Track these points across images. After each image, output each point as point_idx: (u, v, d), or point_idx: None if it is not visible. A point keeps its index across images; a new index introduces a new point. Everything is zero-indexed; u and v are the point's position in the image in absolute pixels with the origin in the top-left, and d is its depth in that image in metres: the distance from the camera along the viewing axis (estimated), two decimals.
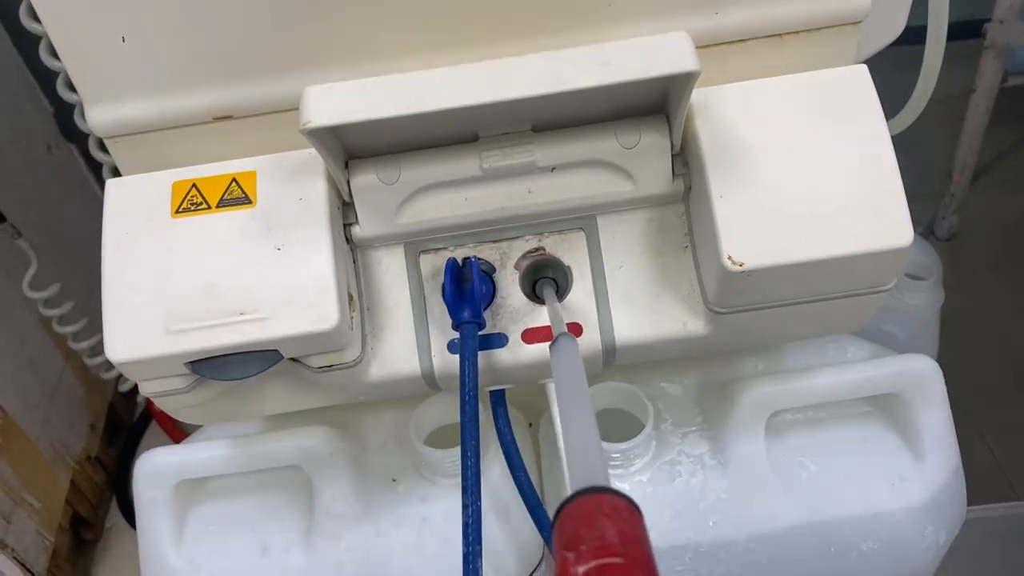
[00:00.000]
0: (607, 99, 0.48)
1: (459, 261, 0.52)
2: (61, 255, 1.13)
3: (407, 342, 0.52)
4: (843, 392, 0.58)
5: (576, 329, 0.52)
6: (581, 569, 0.30)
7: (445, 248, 0.53)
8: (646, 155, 0.50)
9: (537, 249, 0.53)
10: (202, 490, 0.62)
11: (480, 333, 0.51)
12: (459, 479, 0.49)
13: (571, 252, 0.52)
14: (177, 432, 1.28)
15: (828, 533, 0.58)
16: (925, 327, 0.87)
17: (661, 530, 0.57)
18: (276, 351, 0.47)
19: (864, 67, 0.49)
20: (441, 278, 0.51)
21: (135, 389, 1.29)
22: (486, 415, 0.56)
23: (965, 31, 1.23)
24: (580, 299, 0.52)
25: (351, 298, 0.50)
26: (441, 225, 0.52)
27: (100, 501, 1.24)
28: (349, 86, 0.44)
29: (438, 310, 0.52)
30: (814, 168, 0.47)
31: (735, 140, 0.48)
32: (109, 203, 0.49)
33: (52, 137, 1.24)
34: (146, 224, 0.48)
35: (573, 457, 0.37)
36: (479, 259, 0.52)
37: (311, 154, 0.49)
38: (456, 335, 0.51)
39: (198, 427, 0.65)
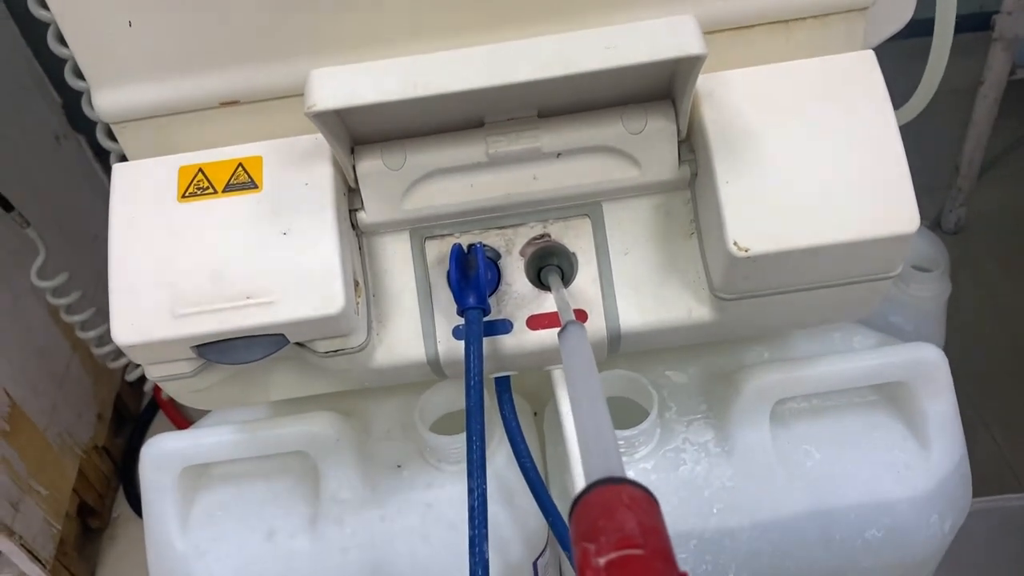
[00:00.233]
0: (613, 84, 0.48)
1: (464, 247, 0.52)
2: (69, 245, 1.14)
3: (412, 328, 0.52)
4: (848, 380, 0.58)
5: (581, 316, 0.52)
6: (602, 560, 0.30)
7: (451, 234, 0.53)
8: (652, 141, 0.50)
9: (542, 235, 0.53)
10: (208, 476, 0.63)
11: (485, 319, 0.51)
12: (463, 466, 0.49)
13: (576, 238, 0.52)
14: (184, 421, 1.28)
15: (833, 521, 0.58)
16: (931, 319, 0.87)
17: (666, 517, 0.57)
18: (282, 335, 0.48)
19: (871, 53, 0.49)
20: (446, 264, 0.51)
21: (142, 379, 1.29)
22: (491, 402, 0.56)
23: (973, 23, 1.23)
24: (585, 286, 0.52)
25: (357, 284, 0.50)
26: (447, 211, 0.52)
27: (107, 490, 1.25)
28: (354, 69, 0.44)
29: (443, 296, 0.52)
30: (820, 154, 0.47)
31: (741, 126, 0.48)
32: (116, 188, 0.49)
33: (60, 128, 1.25)
34: (153, 208, 0.48)
35: (588, 447, 0.36)
36: (484, 245, 0.52)
37: (317, 139, 0.49)
38: (461, 321, 0.51)
39: (204, 416, 0.66)
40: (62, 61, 0.64)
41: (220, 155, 0.50)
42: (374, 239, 0.53)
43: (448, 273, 0.51)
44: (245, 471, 0.63)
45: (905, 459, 0.59)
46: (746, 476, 0.58)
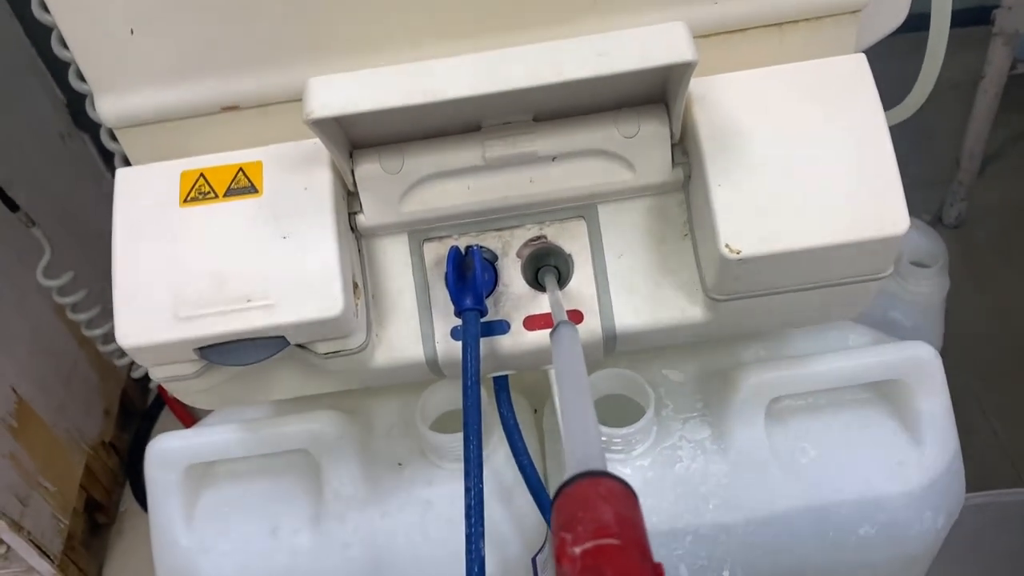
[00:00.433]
0: (607, 89, 0.48)
1: (462, 249, 0.53)
2: (74, 243, 1.15)
3: (411, 329, 0.53)
4: (842, 378, 0.59)
5: (577, 316, 0.52)
6: (578, 549, 0.31)
7: (448, 236, 0.54)
8: (646, 144, 0.50)
9: (539, 237, 0.53)
10: (212, 474, 0.64)
11: (483, 320, 0.52)
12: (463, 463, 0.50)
13: (572, 240, 0.53)
14: (189, 418, 1.29)
15: (827, 517, 0.59)
16: (930, 314, 0.87)
17: (662, 513, 0.58)
18: (283, 337, 0.48)
19: (862, 56, 0.49)
20: (444, 266, 0.52)
21: (148, 375, 1.30)
22: (490, 401, 0.57)
23: (974, 17, 1.23)
24: (581, 287, 0.53)
25: (356, 286, 0.51)
26: (444, 214, 0.52)
27: (114, 486, 1.26)
28: (351, 77, 0.45)
29: (442, 298, 0.53)
30: (811, 157, 0.47)
31: (733, 129, 0.48)
32: (119, 192, 0.50)
33: (65, 127, 1.25)
34: (155, 213, 0.49)
35: (571, 442, 0.38)
36: (481, 247, 0.53)
37: (316, 144, 0.49)
38: (459, 322, 0.52)
39: (209, 414, 0.67)
40: (66, 62, 0.64)
41: (221, 160, 0.50)
42: (373, 241, 0.54)
43: (446, 275, 0.52)
44: (249, 469, 0.64)
45: (899, 456, 0.60)
46: (742, 473, 0.59)
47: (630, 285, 0.52)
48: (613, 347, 0.54)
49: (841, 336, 0.63)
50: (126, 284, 0.48)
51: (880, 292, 0.52)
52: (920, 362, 0.59)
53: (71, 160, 1.26)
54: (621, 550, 0.31)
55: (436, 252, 0.53)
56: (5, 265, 1.07)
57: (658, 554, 0.58)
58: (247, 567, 0.60)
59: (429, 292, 0.53)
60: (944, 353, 0.60)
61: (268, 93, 0.51)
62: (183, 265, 0.48)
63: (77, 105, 1.21)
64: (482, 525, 0.47)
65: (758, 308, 0.51)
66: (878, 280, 0.50)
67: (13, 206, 1.02)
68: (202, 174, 0.50)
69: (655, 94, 0.50)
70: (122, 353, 1.20)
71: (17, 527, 1.00)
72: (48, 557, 1.06)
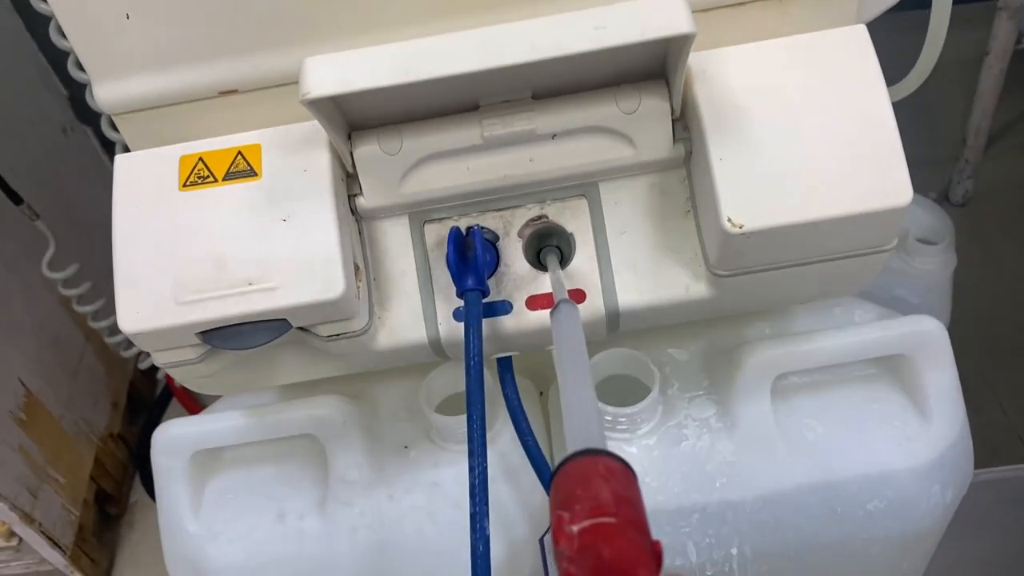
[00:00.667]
0: (606, 64, 0.48)
1: (463, 230, 0.53)
2: (79, 236, 1.15)
3: (413, 311, 0.53)
4: (848, 354, 0.59)
5: (579, 295, 0.52)
6: (575, 528, 0.30)
7: (449, 217, 0.53)
8: (646, 120, 0.50)
9: (540, 217, 0.53)
10: (219, 460, 0.64)
11: (485, 301, 0.52)
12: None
13: (573, 219, 0.53)
14: (197, 408, 1.29)
15: (834, 493, 0.59)
16: (937, 291, 0.87)
17: (668, 492, 0.58)
18: (285, 320, 0.48)
19: (863, 27, 0.49)
20: (445, 247, 0.52)
21: (155, 367, 1.31)
22: (495, 383, 0.57)
23: None
24: (583, 265, 0.52)
25: (357, 268, 0.51)
26: (444, 195, 0.52)
27: (123, 477, 1.27)
28: (347, 56, 0.44)
29: (443, 279, 0.53)
30: (812, 129, 0.47)
31: (734, 103, 0.48)
32: (118, 178, 0.50)
33: (68, 120, 1.26)
34: (155, 198, 0.49)
35: (571, 420, 0.37)
36: (483, 228, 0.53)
37: (315, 126, 0.49)
38: (461, 303, 0.52)
39: (215, 401, 0.67)
40: (66, 54, 0.64)
41: (220, 144, 0.50)
42: (373, 224, 0.54)
43: (447, 256, 0.52)
44: (255, 455, 0.64)
45: (906, 431, 0.59)
46: (748, 450, 0.59)
47: (632, 263, 0.52)
48: (616, 325, 0.54)
49: (846, 313, 0.63)
50: (127, 269, 0.48)
51: (885, 266, 0.52)
52: (926, 336, 0.59)
53: (74, 153, 1.27)
54: (619, 528, 0.30)
55: (437, 233, 0.53)
56: (11, 258, 1.07)
57: (665, 532, 0.58)
58: (255, 552, 0.60)
59: (431, 273, 0.53)
60: (951, 330, 0.60)
61: (266, 76, 0.51)
62: (183, 250, 0.48)
63: (79, 99, 1.21)
64: (487, 504, 0.47)
65: (762, 283, 0.51)
66: (883, 253, 0.50)
67: (17, 199, 1.03)
68: (201, 158, 0.50)
69: (655, 69, 0.49)
70: (129, 344, 1.21)
71: (29, 519, 1.01)
72: (60, 548, 1.07)
